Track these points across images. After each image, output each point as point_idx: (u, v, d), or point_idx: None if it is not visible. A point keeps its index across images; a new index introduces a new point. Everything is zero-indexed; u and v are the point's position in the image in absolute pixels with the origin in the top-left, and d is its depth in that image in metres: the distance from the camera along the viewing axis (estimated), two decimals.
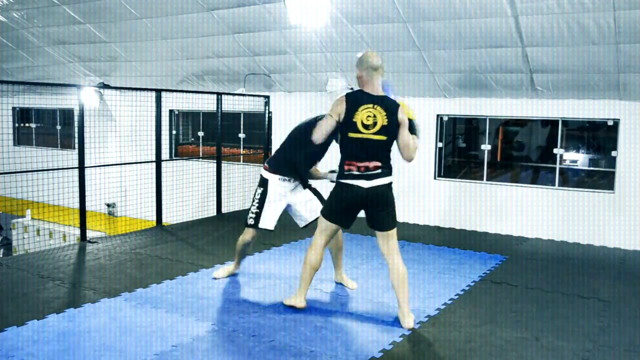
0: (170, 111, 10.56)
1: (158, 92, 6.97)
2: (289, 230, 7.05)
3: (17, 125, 13.79)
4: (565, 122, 7.23)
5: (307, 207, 4.79)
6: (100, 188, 7.59)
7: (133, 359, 3.46)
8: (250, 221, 4.79)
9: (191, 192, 8.61)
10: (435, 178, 7.97)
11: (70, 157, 7.74)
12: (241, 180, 9.25)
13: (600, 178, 7.25)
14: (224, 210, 8.40)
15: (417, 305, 4.55)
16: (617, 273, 5.75)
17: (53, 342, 3.67)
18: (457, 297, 4.80)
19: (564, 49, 6.17)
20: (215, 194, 8.30)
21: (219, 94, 8.12)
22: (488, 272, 5.59)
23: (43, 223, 11.84)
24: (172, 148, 10.74)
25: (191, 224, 7.53)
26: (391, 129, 4.04)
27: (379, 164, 4.09)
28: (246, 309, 4.36)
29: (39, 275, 5.05)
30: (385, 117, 3.99)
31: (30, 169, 6.99)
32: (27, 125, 13.79)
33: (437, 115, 7.88)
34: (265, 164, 4.82)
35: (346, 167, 4.09)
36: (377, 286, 5.04)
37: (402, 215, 8.20)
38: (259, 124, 9.24)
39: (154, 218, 7.31)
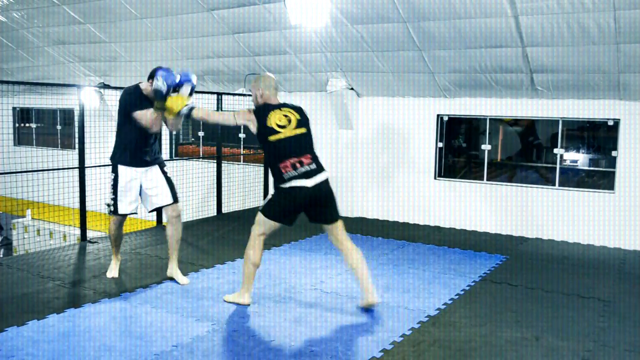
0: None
1: None
2: (289, 230, 7.05)
3: (17, 125, 13.79)
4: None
5: (154, 192, 4.89)
6: (100, 188, 7.58)
7: (133, 359, 3.47)
8: (111, 209, 4.86)
9: (191, 192, 8.61)
10: (435, 178, 7.97)
11: (70, 157, 7.75)
12: (241, 180, 9.25)
13: (600, 178, 7.25)
14: (224, 210, 8.40)
15: (417, 305, 4.55)
16: (617, 273, 5.74)
17: (53, 342, 3.67)
18: (457, 297, 4.80)
19: (564, 49, 6.17)
20: (215, 194, 8.30)
21: (219, 94, 8.12)
22: (488, 272, 5.59)
23: (43, 223, 11.84)
24: (172, 148, 10.74)
25: (191, 224, 7.53)
26: (306, 123, 4.35)
27: (309, 156, 4.22)
28: (246, 309, 4.37)
29: (39, 275, 5.05)
30: (297, 113, 4.30)
31: (30, 169, 7.00)
32: (27, 125, 13.79)
33: (437, 115, 7.88)
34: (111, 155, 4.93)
35: (283, 171, 4.16)
36: (377, 286, 5.03)
37: (402, 215, 8.21)
38: None
39: (154, 218, 7.31)
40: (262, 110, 4.24)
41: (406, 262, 5.91)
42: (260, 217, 4.28)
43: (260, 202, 9.06)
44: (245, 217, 8.11)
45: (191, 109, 4.45)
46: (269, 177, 9.09)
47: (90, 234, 6.61)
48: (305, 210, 4.29)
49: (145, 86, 4.76)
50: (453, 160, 8.28)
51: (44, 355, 3.48)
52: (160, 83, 4.43)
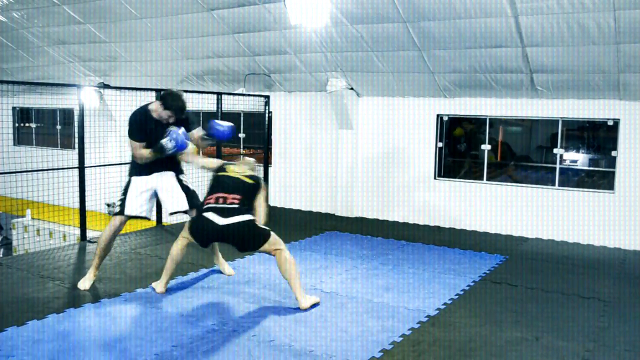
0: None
1: (158, 92, 6.97)
2: (289, 230, 7.05)
3: (17, 125, 13.79)
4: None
5: (170, 196, 4.88)
6: (100, 188, 7.59)
7: (133, 359, 3.46)
8: (117, 209, 4.81)
9: None
10: (435, 178, 7.97)
11: (70, 157, 7.74)
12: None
13: (600, 178, 7.25)
14: None
15: (416, 305, 4.55)
16: (617, 273, 5.75)
17: (53, 342, 3.67)
18: (457, 297, 4.80)
19: (564, 49, 6.17)
20: None
21: (219, 94, 8.11)
22: (488, 272, 5.58)
23: (43, 223, 11.83)
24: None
25: None
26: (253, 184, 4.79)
27: (238, 197, 4.50)
28: (246, 309, 4.37)
29: (39, 275, 5.05)
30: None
31: (30, 169, 6.99)
32: (27, 125, 13.79)
33: (437, 115, 7.88)
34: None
35: (205, 202, 4.60)
36: (377, 286, 5.04)
37: (402, 215, 8.21)
38: (259, 124, 9.24)
39: (154, 218, 7.31)
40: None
41: (406, 262, 5.91)
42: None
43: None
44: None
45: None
46: (269, 177, 9.09)
47: (90, 234, 6.61)
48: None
49: (154, 107, 4.72)
50: (455, 161, 8.28)
51: (44, 355, 3.48)
52: (169, 145, 4.55)
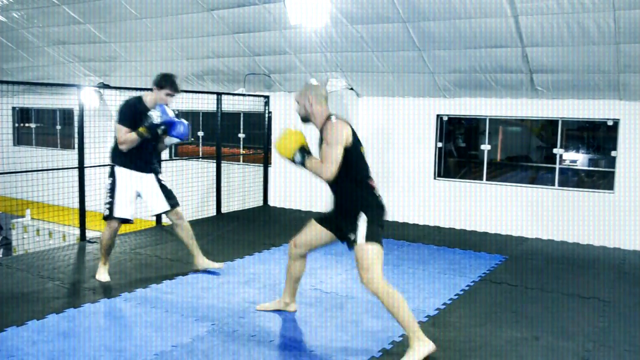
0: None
1: None
2: (289, 230, 7.05)
3: (17, 125, 13.78)
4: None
5: (152, 200, 4.95)
6: (100, 188, 7.58)
7: (133, 359, 3.46)
8: (106, 212, 4.82)
9: (191, 192, 8.61)
10: (435, 178, 7.97)
11: (70, 157, 7.74)
12: (241, 180, 9.25)
13: (600, 178, 7.25)
14: (224, 210, 8.40)
15: (416, 305, 4.55)
16: (617, 273, 5.75)
17: (53, 342, 3.67)
18: (457, 297, 4.80)
19: (564, 49, 6.17)
20: (214, 194, 8.30)
21: (218, 94, 8.11)
22: (488, 272, 5.59)
23: (43, 223, 11.83)
24: (172, 148, 10.74)
25: (191, 224, 7.48)
26: None
27: None
28: (246, 309, 4.37)
29: (39, 275, 5.05)
30: None
31: (30, 169, 6.99)
32: (26, 125, 13.79)
33: (437, 115, 7.88)
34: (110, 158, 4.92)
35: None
36: None
37: (402, 215, 8.21)
38: (258, 124, 9.25)
39: (154, 218, 7.31)
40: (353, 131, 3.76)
41: (406, 262, 5.91)
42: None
43: (260, 202, 9.07)
44: (244, 217, 8.12)
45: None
46: (268, 177, 9.09)
47: (89, 234, 6.61)
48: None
49: (148, 98, 4.78)
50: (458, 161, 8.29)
51: (44, 355, 3.48)
52: (155, 114, 4.56)
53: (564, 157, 7.33)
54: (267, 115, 8.82)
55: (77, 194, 6.46)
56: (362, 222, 3.58)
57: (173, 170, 8.47)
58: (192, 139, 11.10)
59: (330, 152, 3.56)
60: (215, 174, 8.24)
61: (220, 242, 6.61)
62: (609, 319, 4.38)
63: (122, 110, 4.72)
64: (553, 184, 7.28)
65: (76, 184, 6.47)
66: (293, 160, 3.72)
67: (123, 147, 4.71)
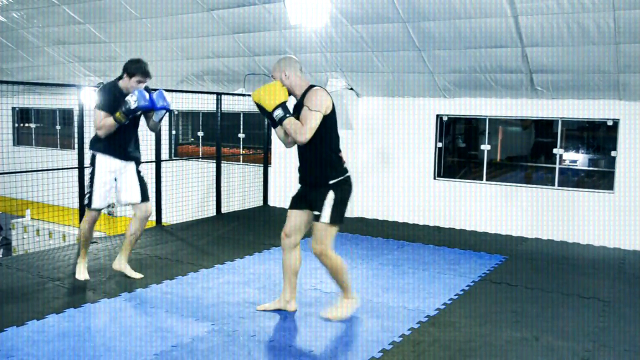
0: (170, 111, 10.55)
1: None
2: None
3: (17, 125, 13.79)
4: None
5: (125, 188, 4.88)
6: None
7: (133, 359, 3.46)
8: (86, 201, 4.82)
9: (191, 192, 8.61)
10: (435, 178, 7.97)
11: (70, 157, 7.74)
12: (241, 180, 9.25)
13: (600, 178, 7.25)
14: (224, 210, 8.40)
15: (416, 305, 4.55)
16: (617, 273, 5.75)
17: (53, 342, 3.67)
18: (457, 297, 4.80)
19: (564, 49, 6.18)
20: (214, 194, 8.30)
21: (218, 94, 8.12)
22: (488, 272, 5.59)
23: (43, 223, 11.84)
24: (172, 148, 10.74)
25: (191, 224, 7.53)
26: None
27: None
28: (246, 309, 4.37)
29: (39, 275, 5.05)
30: None
31: (30, 169, 6.99)
32: (26, 125, 13.79)
33: (437, 115, 7.88)
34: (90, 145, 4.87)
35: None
36: (377, 286, 5.04)
37: (402, 215, 8.21)
38: (258, 124, 9.24)
39: (154, 218, 7.31)
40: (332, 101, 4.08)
41: (406, 262, 5.91)
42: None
43: (260, 202, 9.07)
44: (244, 217, 8.12)
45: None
46: (268, 177, 9.09)
47: None
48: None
49: (122, 84, 4.73)
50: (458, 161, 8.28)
51: (44, 355, 3.48)
52: (131, 100, 4.51)
53: (563, 157, 7.34)
54: None
55: (77, 194, 6.46)
56: (330, 200, 3.81)
57: (173, 170, 8.48)
58: (192, 139, 11.12)
59: (311, 117, 3.75)
60: (215, 174, 8.24)
61: (220, 242, 6.61)
62: (609, 319, 4.38)
63: (102, 95, 4.68)
64: (553, 184, 7.28)
65: (76, 184, 6.47)
66: (270, 114, 3.80)
67: (100, 133, 4.66)
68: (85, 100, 6.45)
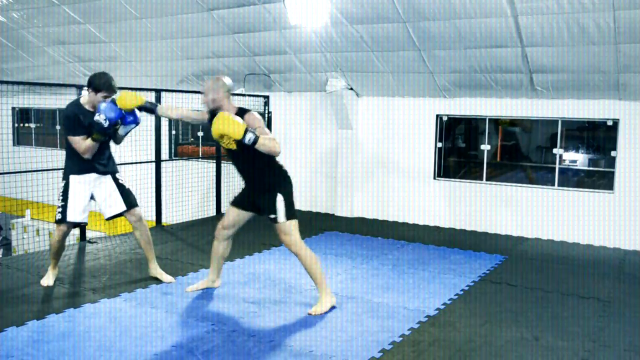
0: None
1: (158, 92, 6.96)
2: None
3: (16, 125, 13.78)
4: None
5: (107, 202, 4.76)
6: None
7: (133, 359, 3.47)
8: (58, 216, 4.65)
9: (191, 192, 8.61)
10: (434, 178, 7.97)
11: None
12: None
13: (600, 178, 7.25)
14: (224, 210, 8.39)
15: (416, 305, 4.55)
16: (617, 273, 5.75)
17: (53, 342, 3.67)
18: (456, 297, 4.80)
19: (564, 49, 6.18)
20: (214, 194, 8.30)
21: None
22: (488, 272, 5.59)
23: (42, 223, 11.83)
24: (172, 148, 10.73)
25: (191, 224, 7.53)
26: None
27: None
28: (246, 309, 4.37)
29: (39, 275, 5.04)
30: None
31: (30, 169, 6.98)
32: (26, 125, 13.79)
33: (437, 115, 7.88)
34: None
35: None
36: (377, 286, 5.04)
37: (402, 215, 8.21)
38: None
39: (154, 218, 7.31)
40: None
41: (405, 262, 5.91)
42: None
43: None
44: None
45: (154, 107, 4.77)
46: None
47: (89, 234, 6.61)
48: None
49: (85, 100, 4.63)
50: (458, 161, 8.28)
51: (44, 355, 3.48)
52: (101, 119, 4.42)
53: (563, 157, 7.34)
54: (267, 115, 8.81)
55: None
56: (280, 202, 4.22)
57: (173, 171, 8.48)
58: (192, 139, 11.11)
59: (269, 133, 4.11)
60: (215, 174, 8.24)
61: None
62: (609, 319, 4.38)
63: (68, 123, 4.55)
64: (553, 184, 7.28)
65: None
66: (241, 140, 3.93)
67: (87, 155, 4.57)
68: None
